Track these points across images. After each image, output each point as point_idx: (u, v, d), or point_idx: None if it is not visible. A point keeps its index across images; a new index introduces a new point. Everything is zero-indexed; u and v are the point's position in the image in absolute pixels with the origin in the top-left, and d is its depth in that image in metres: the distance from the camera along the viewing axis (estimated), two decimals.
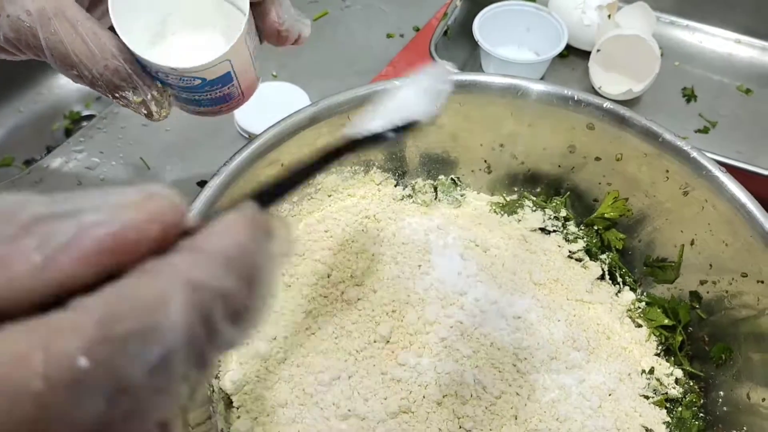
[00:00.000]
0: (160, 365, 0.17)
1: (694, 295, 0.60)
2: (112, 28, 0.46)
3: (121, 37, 0.45)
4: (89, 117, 0.92)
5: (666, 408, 0.56)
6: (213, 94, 0.51)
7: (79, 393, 0.16)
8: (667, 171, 0.59)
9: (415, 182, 0.67)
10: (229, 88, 0.52)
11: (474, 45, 0.87)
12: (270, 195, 0.27)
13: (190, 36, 0.52)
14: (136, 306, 0.17)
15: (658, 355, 0.59)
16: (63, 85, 1.06)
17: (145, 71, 0.47)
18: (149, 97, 0.48)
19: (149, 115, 0.49)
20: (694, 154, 0.57)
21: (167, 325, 0.17)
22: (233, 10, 0.50)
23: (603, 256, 0.64)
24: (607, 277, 0.63)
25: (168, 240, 0.20)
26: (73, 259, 0.18)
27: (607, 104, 0.60)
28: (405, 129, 0.35)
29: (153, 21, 0.51)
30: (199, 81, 0.49)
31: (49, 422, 0.15)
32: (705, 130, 0.86)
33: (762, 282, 0.53)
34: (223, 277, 0.19)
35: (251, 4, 0.48)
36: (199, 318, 0.18)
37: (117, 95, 0.47)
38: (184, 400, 0.18)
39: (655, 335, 0.60)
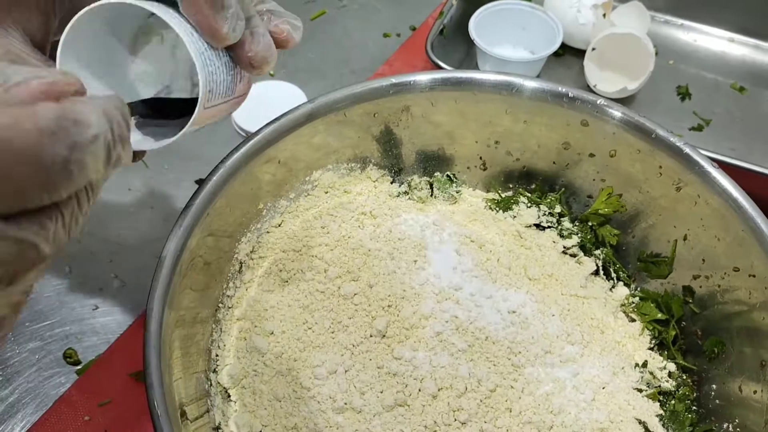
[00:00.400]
0: (95, 139, 0.30)
1: (687, 290, 0.60)
2: None
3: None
4: None
5: (659, 401, 0.57)
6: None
7: (56, 139, 0.28)
8: (660, 167, 0.59)
9: (411, 179, 0.68)
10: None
11: (470, 44, 0.87)
12: None
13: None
14: (79, 110, 0.30)
15: (651, 349, 0.60)
16: None
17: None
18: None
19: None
20: (687, 150, 0.57)
21: (95, 120, 0.30)
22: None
23: (597, 252, 0.64)
24: (602, 272, 0.64)
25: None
26: (25, 93, 0.29)
27: (600, 101, 0.60)
28: None
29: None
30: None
31: (41, 151, 0.28)
32: (699, 128, 0.87)
33: (753, 276, 0.54)
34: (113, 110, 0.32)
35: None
36: (108, 123, 0.31)
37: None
38: (101, 169, 0.32)
39: (648, 329, 0.60)
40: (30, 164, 0.28)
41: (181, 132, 0.44)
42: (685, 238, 0.60)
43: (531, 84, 0.61)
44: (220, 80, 0.46)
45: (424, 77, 0.62)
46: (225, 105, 0.48)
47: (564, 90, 0.61)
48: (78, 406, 0.61)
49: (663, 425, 0.55)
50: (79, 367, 0.64)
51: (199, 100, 0.43)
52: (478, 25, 0.87)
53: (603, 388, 0.55)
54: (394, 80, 0.62)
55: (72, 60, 0.43)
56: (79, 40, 0.42)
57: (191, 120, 0.43)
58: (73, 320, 0.67)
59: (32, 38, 0.44)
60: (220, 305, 0.57)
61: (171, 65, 0.48)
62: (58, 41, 0.44)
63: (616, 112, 0.60)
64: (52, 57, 0.43)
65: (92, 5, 0.41)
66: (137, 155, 0.49)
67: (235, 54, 0.47)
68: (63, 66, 0.42)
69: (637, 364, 0.58)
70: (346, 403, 0.52)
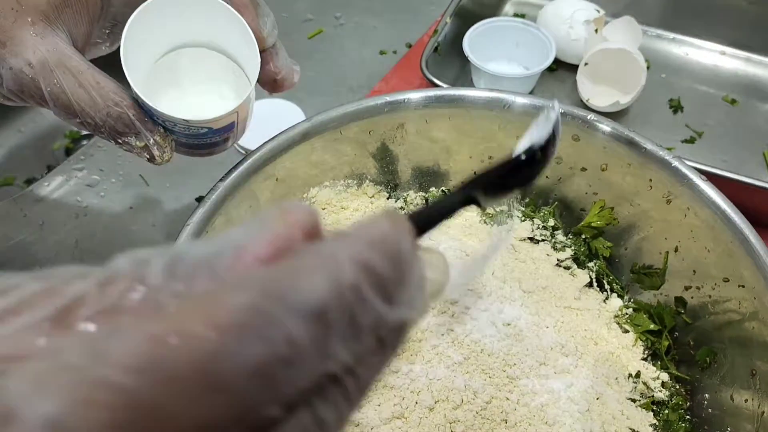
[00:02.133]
0: (314, 316, 0.19)
1: (680, 301, 0.61)
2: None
3: (134, 88, 0.46)
4: (89, 136, 0.93)
5: (653, 411, 0.57)
6: (213, 139, 0.53)
7: (246, 337, 0.18)
8: (651, 180, 0.61)
9: (407, 194, 0.69)
10: (228, 134, 0.54)
11: (465, 60, 0.89)
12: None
13: (200, 87, 0.53)
14: (291, 271, 0.19)
15: (645, 359, 0.61)
16: None
17: (147, 117, 0.48)
18: (152, 142, 0.49)
19: (151, 160, 0.51)
20: (675, 163, 0.59)
21: (318, 285, 0.19)
22: (239, 68, 0.53)
23: (591, 264, 0.65)
24: (595, 284, 0.65)
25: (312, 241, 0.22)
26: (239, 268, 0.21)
27: (590, 116, 0.62)
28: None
29: (163, 70, 0.52)
30: (206, 130, 0.51)
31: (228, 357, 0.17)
32: (692, 140, 0.88)
33: (743, 287, 0.55)
34: (367, 252, 0.21)
35: None
36: (347, 285, 0.20)
37: (120, 141, 0.49)
38: (347, 361, 0.20)
39: (641, 340, 0.61)
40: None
41: (237, 104, 0.50)
42: (676, 250, 0.61)
43: (521, 100, 0.63)
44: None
45: (417, 95, 0.63)
46: (250, 110, 0.54)
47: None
48: None
49: None
50: None
51: (252, 82, 0.50)
52: (472, 41, 0.89)
53: (597, 398, 0.56)
54: (388, 98, 0.63)
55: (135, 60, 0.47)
56: (144, 22, 0.47)
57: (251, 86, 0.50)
58: None
59: (74, 42, 0.48)
60: None
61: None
62: (97, 46, 0.50)
63: (606, 127, 0.61)
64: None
65: None
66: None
67: (261, 70, 0.51)
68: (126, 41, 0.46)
69: (630, 375, 0.59)
70: None
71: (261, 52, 0.51)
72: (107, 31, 0.52)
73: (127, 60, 0.46)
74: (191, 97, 0.53)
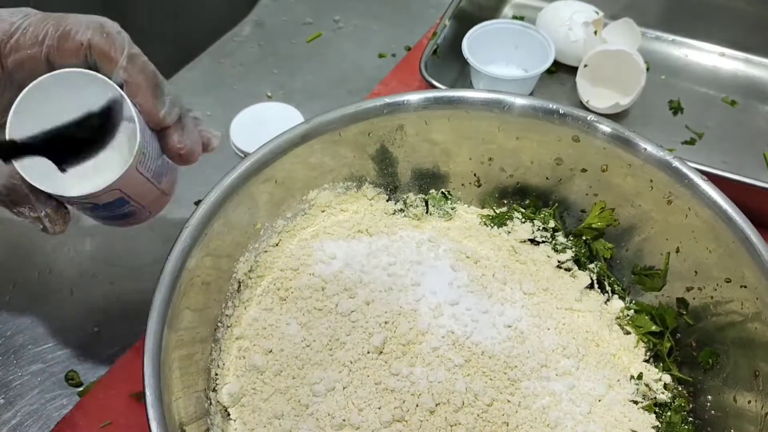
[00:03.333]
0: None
1: (681, 302, 0.61)
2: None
3: (16, 166, 0.47)
4: None
5: (655, 413, 0.57)
6: (111, 213, 0.54)
7: None
8: (651, 181, 0.60)
9: (407, 196, 0.69)
10: (127, 208, 0.54)
11: (464, 63, 0.89)
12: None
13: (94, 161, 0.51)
14: None
15: (647, 361, 0.60)
16: None
17: (39, 191, 0.49)
18: (43, 214, 0.51)
19: (45, 230, 0.52)
20: (676, 163, 0.58)
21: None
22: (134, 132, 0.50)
23: (591, 266, 0.65)
24: (596, 286, 0.65)
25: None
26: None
27: (590, 117, 0.61)
28: None
29: None
30: (90, 205, 0.52)
31: None
32: (692, 142, 0.88)
33: (745, 287, 0.55)
34: None
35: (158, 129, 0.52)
36: None
37: (15, 210, 0.51)
38: None
39: (643, 342, 0.61)
40: None
41: (108, 182, 0.49)
42: (677, 251, 0.61)
43: (521, 101, 0.63)
44: (152, 155, 0.52)
45: (416, 96, 0.63)
46: (150, 187, 0.53)
47: (554, 106, 0.62)
48: (80, 428, 0.61)
49: None
50: (80, 389, 0.64)
51: (136, 149, 0.49)
52: (471, 44, 0.88)
53: (599, 400, 0.56)
54: (387, 100, 0.63)
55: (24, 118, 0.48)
56: (32, 101, 0.48)
57: (128, 166, 0.49)
58: (74, 343, 0.67)
59: None
60: (219, 324, 0.57)
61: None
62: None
63: (606, 128, 0.61)
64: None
65: (55, 72, 0.48)
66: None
67: (166, 144, 0.53)
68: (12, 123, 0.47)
69: (632, 377, 0.58)
70: (344, 420, 0.52)
71: (162, 129, 0.53)
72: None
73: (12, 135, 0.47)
74: (79, 171, 0.50)
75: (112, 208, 0.53)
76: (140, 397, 0.62)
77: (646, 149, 0.60)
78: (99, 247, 0.75)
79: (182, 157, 0.55)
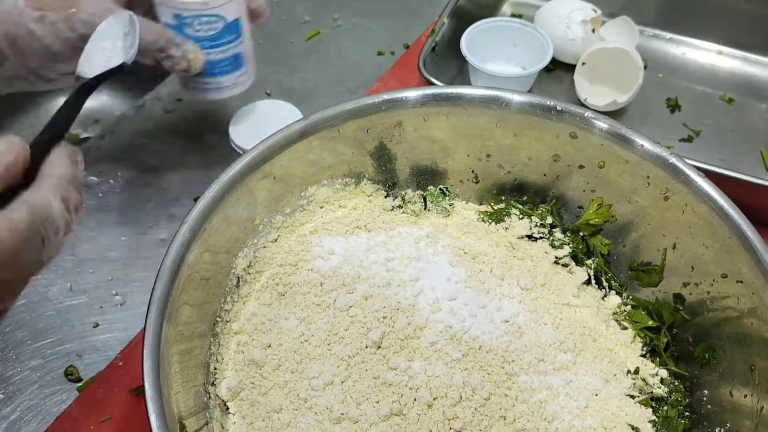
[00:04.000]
0: (59, 228, 0.45)
1: (678, 298, 0.61)
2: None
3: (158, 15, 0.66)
4: (87, 140, 0.93)
5: (652, 407, 0.57)
6: (228, 52, 0.70)
7: (31, 243, 0.43)
8: (648, 177, 0.61)
9: (405, 193, 0.69)
10: (238, 46, 0.71)
11: (462, 61, 0.89)
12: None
13: None
14: (37, 203, 0.44)
15: (643, 356, 0.60)
16: None
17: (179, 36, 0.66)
18: (187, 48, 0.65)
19: (188, 69, 0.66)
20: (673, 159, 0.59)
21: (56, 212, 0.45)
22: None
23: (589, 262, 0.65)
24: (593, 281, 0.65)
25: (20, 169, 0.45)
26: None
27: (588, 113, 0.62)
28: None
29: None
30: (221, 24, 0.67)
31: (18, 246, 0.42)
32: (689, 139, 0.88)
33: (741, 282, 0.55)
34: (66, 184, 0.46)
35: None
36: (66, 205, 0.45)
37: (163, 56, 0.65)
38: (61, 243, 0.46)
39: (640, 337, 0.61)
40: (8, 269, 0.42)
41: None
42: (674, 247, 0.61)
43: (519, 98, 0.63)
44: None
45: (415, 93, 0.63)
46: (249, 35, 0.72)
47: (552, 103, 0.62)
48: (79, 423, 0.61)
49: (656, 431, 0.56)
50: (80, 384, 0.64)
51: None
52: (469, 42, 0.89)
53: (596, 394, 0.56)
54: (386, 96, 0.63)
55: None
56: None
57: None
58: (74, 338, 0.67)
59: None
60: (218, 319, 0.58)
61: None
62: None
63: (603, 124, 0.61)
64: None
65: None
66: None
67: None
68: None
69: (629, 371, 0.58)
70: (342, 414, 0.53)
71: None
72: None
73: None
74: None
75: (232, 35, 0.69)
76: (139, 392, 0.63)
77: (643, 146, 0.60)
78: (98, 243, 0.75)
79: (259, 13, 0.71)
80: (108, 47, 0.58)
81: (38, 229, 0.43)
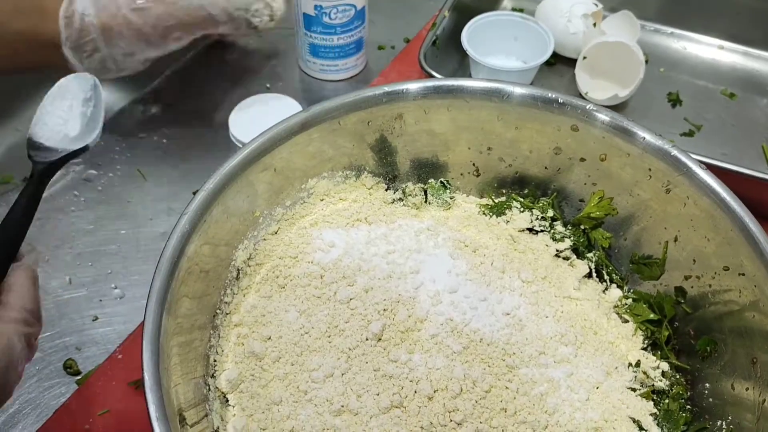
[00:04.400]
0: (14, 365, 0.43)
1: (680, 291, 0.61)
2: None
3: None
4: None
5: (653, 400, 0.57)
6: (354, 37, 0.82)
7: None
8: (650, 170, 0.60)
9: (406, 186, 0.69)
10: (362, 31, 0.82)
11: (463, 55, 0.89)
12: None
13: None
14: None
15: (645, 349, 0.60)
16: None
17: None
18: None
19: (272, 15, 0.73)
20: (675, 152, 0.58)
21: (17, 352, 0.43)
22: None
23: (590, 255, 0.65)
24: (595, 275, 0.65)
25: None
26: None
27: (589, 106, 0.61)
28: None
29: None
30: (352, 12, 0.77)
31: None
32: (690, 134, 0.88)
33: (743, 275, 0.55)
34: (30, 318, 0.44)
35: None
36: (25, 341, 0.44)
37: (251, 13, 0.71)
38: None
39: (641, 330, 0.61)
40: None
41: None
42: (675, 240, 0.61)
43: (521, 90, 0.63)
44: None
45: (416, 85, 0.63)
46: None
47: (553, 96, 0.62)
48: (78, 416, 0.61)
49: (657, 424, 0.56)
50: (78, 377, 0.64)
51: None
52: (470, 35, 0.88)
53: (597, 387, 0.56)
54: (386, 89, 0.63)
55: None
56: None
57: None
58: (72, 331, 0.67)
59: None
60: (218, 311, 0.57)
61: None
62: None
63: (605, 117, 0.61)
64: None
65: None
66: None
67: None
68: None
69: (630, 364, 0.58)
70: (343, 406, 0.52)
71: None
72: None
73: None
74: None
75: (360, 21, 0.81)
76: (138, 385, 0.62)
77: (644, 138, 0.60)
78: (97, 236, 0.75)
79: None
80: (64, 109, 0.53)
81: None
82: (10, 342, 0.41)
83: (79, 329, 0.67)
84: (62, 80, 0.54)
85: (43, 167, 0.48)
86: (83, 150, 0.51)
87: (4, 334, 0.41)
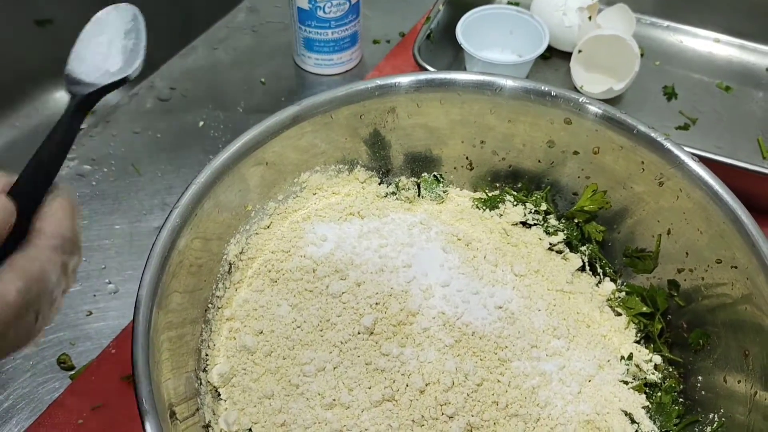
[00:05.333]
0: (51, 298, 0.40)
1: (672, 284, 0.61)
2: None
3: None
4: (80, 129, 0.93)
5: (645, 393, 0.57)
6: (348, 31, 0.84)
7: (22, 308, 0.37)
8: (643, 162, 0.60)
9: (399, 180, 0.69)
10: (356, 25, 0.84)
11: (458, 48, 0.88)
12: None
13: None
14: (32, 272, 0.38)
15: (637, 342, 0.60)
16: (57, 99, 1.08)
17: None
18: None
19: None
20: (668, 144, 0.58)
21: (53, 283, 0.39)
22: None
23: (583, 248, 0.65)
24: (588, 268, 0.65)
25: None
26: None
27: (582, 99, 0.61)
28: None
29: None
30: (347, 6, 0.79)
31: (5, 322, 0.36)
32: (686, 127, 0.88)
33: (735, 267, 0.55)
34: (67, 246, 0.40)
35: None
36: (61, 270, 0.40)
37: None
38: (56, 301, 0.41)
39: (634, 323, 0.61)
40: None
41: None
42: (668, 233, 0.61)
43: (513, 83, 0.62)
44: None
45: (407, 79, 0.63)
46: None
47: (546, 88, 0.62)
48: (71, 411, 0.61)
49: (650, 417, 0.56)
50: (72, 372, 0.64)
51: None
52: (465, 29, 0.88)
53: (589, 380, 0.56)
54: (379, 82, 0.63)
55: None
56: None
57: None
58: (66, 326, 0.67)
59: None
60: (210, 306, 0.57)
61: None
62: None
63: (597, 109, 0.61)
64: None
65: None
66: None
67: None
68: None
69: (622, 357, 0.58)
70: (334, 399, 0.52)
71: None
72: None
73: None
74: None
75: (353, 15, 0.82)
76: (131, 379, 0.62)
77: (638, 130, 0.60)
78: (91, 231, 0.75)
79: None
80: (103, 43, 0.50)
81: (32, 303, 0.37)
82: (42, 268, 0.37)
83: (73, 324, 0.67)
84: (100, 13, 0.50)
85: (81, 97, 0.46)
86: (123, 81, 0.48)
87: (37, 260, 0.37)
